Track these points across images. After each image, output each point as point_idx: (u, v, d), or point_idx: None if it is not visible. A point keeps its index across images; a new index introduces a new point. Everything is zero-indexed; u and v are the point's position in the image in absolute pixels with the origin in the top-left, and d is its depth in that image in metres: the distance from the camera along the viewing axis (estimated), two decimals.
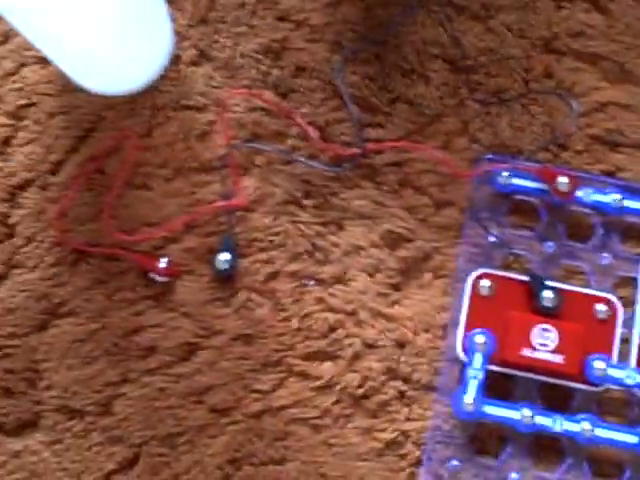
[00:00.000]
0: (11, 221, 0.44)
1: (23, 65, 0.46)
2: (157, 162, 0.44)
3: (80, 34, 0.37)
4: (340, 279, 0.43)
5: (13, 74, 0.46)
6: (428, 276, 0.43)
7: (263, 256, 0.43)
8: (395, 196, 0.43)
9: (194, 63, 0.46)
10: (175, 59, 0.46)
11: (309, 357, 0.42)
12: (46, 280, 0.43)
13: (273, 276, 0.43)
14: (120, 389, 0.42)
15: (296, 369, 0.42)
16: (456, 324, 0.41)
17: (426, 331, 0.42)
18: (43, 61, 0.46)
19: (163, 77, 0.46)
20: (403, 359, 0.42)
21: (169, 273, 0.41)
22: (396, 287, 0.43)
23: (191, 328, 0.42)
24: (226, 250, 0.42)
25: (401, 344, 0.42)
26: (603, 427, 0.38)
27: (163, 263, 0.41)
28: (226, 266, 0.41)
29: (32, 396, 0.42)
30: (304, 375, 0.42)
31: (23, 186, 0.44)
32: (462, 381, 0.40)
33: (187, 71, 0.46)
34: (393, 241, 0.43)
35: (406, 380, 0.41)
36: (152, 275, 0.42)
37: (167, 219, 0.43)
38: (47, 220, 0.44)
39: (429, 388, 0.41)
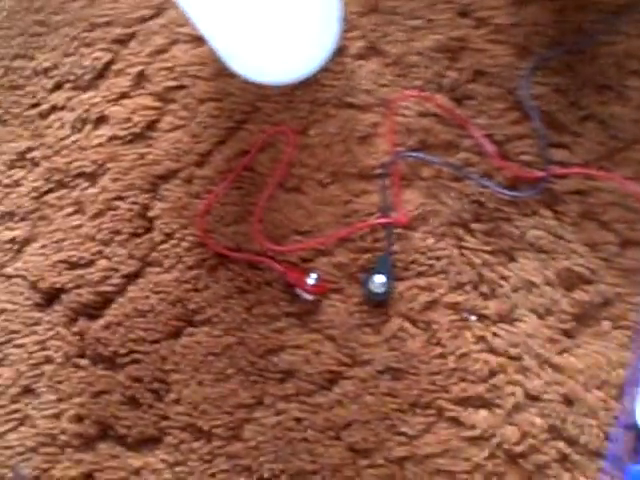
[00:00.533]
0: (151, 214, 0.42)
1: (174, 42, 0.42)
2: (312, 164, 0.41)
3: (243, 12, 0.34)
4: (506, 317, 0.39)
5: (163, 52, 0.43)
6: (606, 325, 0.38)
7: (421, 282, 0.39)
8: (576, 229, 0.38)
9: (362, 56, 0.43)
10: (341, 50, 0.42)
11: (463, 402, 0.38)
12: (183, 283, 0.41)
13: (431, 305, 0.39)
14: (253, 413, 0.39)
15: (448, 414, 0.38)
16: (635, 384, 0.36)
17: (599, 388, 0.38)
18: (197, 40, 0.43)
19: (326, 69, 0.42)
20: (570, 418, 0.37)
21: (317, 291, 0.38)
22: (568, 333, 0.39)
23: (335, 354, 0.39)
24: (382, 272, 0.37)
25: (569, 400, 0.38)
26: None
27: (312, 279, 0.38)
28: (381, 289, 0.37)
29: (158, 410, 0.40)
30: (456, 422, 0.38)
31: (166, 177, 0.42)
32: (638, 453, 0.35)
33: (353, 65, 0.42)
34: (570, 281, 0.39)
35: (571, 442, 0.37)
36: (299, 291, 0.37)
37: (319, 229, 0.40)
38: (189, 217, 0.41)
39: (597, 455, 0.37)
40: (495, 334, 0.38)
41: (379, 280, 0.38)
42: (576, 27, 0.41)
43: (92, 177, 0.42)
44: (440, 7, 0.41)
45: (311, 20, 0.38)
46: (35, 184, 0.42)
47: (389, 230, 0.39)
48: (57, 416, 0.40)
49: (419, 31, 0.41)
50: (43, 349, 0.41)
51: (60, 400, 0.40)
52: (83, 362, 0.40)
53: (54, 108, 0.43)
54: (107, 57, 0.43)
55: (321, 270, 0.39)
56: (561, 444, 0.37)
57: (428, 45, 0.41)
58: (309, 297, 0.38)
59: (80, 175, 0.42)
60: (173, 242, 0.40)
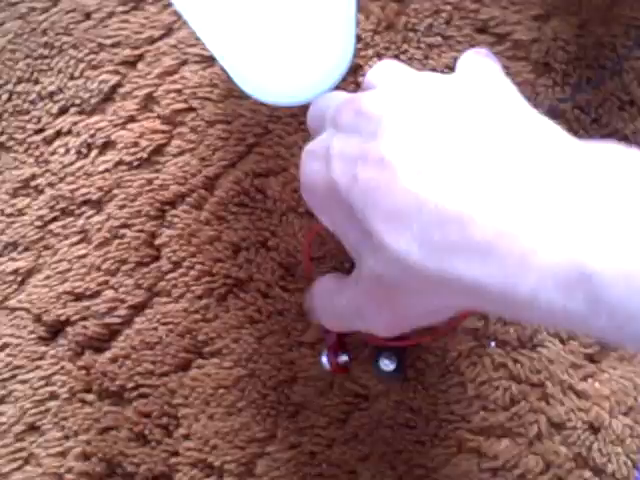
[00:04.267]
0: (158, 242, 0.51)
1: (184, 63, 0.53)
2: None
3: (254, 31, 0.40)
4: (526, 343, 0.47)
5: (172, 73, 0.53)
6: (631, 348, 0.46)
7: None
8: None
9: None
10: (355, 69, 0.52)
11: (484, 432, 0.46)
12: (192, 313, 0.50)
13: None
14: (265, 448, 0.47)
15: (468, 444, 0.46)
16: None
17: (625, 414, 0.46)
18: (207, 60, 0.52)
19: (339, 89, 0.51)
20: (596, 445, 0.46)
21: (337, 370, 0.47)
22: (592, 358, 0.47)
23: (349, 385, 0.47)
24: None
25: (594, 427, 0.46)
26: None
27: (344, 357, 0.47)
28: (390, 367, 0.46)
29: (167, 446, 0.48)
30: (477, 452, 0.46)
31: (174, 202, 0.51)
32: None
33: None
34: None
35: (597, 471, 0.45)
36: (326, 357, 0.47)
37: (332, 255, 0.49)
38: (198, 244, 0.51)
39: None
40: (516, 360, 0.48)
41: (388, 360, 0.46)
42: (598, 42, 0.51)
43: (98, 204, 0.52)
44: (458, 23, 0.52)
45: (325, 40, 0.47)
46: (39, 212, 0.53)
47: None
48: (63, 454, 0.49)
49: (436, 48, 0.52)
50: (48, 384, 0.50)
51: (66, 437, 0.49)
52: (89, 397, 0.49)
53: (59, 133, 0.52)
54: (114, 80, 0.53)
55: None
56: (587, 473, 0.45)
57: (445, 63, 0.51)
58: (325, 364, 0.46)
59: (86, 202, 0.52)
60: (181, 271, 0.50)
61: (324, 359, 0.45)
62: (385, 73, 0.37)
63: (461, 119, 0.31)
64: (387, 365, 0.45)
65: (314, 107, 0.41)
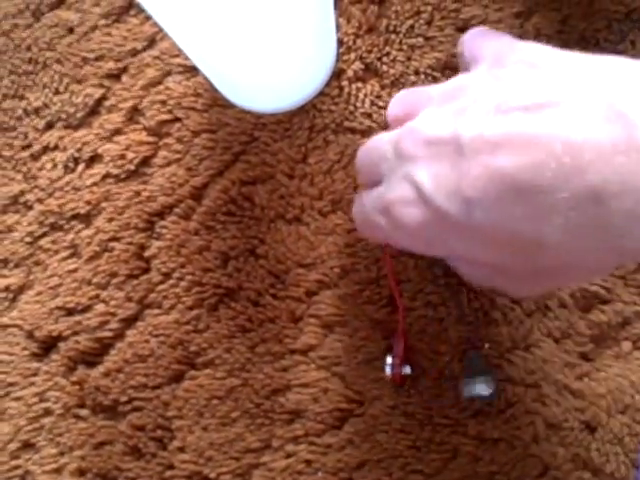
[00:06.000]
0: (147, 254, 0.50)
1: (168, 74, 0.53)
2: (312, 193, 0.50)
3: (234, 38, 0.40)
4: (520, 343, 0.46)
5: (157, 84, 0.53)
6: (626, 345, 0.46)
7: (430, 311, 0.47)
8: None
9: (359, 79, 0.51)
10: (338, 73, 0.51)
11: (480, 436, 0.45)
12: (183, 324, 0.49)
13: (441, 336, 0.47)
14: (261, 458, 0.47)
15: (464, 449, 0.45)
16: None
17: (622, 413, 0.45)
18: (190, 70, 0.52)
19: (323, 94, 0.51)
20: (594, 446, 0.45)
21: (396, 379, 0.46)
22: (587, 357, 0.46)
23: (344, 391, 0.47)
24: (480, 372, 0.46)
25: (591, 427, 0.45)
26: None
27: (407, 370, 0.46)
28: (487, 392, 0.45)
29: (162, 459, 0.47)
30: (473, 457, 0.45)
31: (162, 213, 0.51)
32: None
33: (351, 88, 0.51)
34: (585, 301, 0.47)
35: (596, 472, 0.44)
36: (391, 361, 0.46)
37: (322, 260, 0.49)
38: (187, 255, 0.50)
39: None
40: (510, 361, 0.47)
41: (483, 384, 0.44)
42: (581, 37, 0.50)
43: (87, 218, 0.51)
44: (439, 23, 0.51)
45: (306, 45, 0.47)
46: (29, 228, 0.52)
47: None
48: (58, 471, 0.48)
49: (418, 50, 0.51)
50: (42, 401, 0.49)
51: (61, 454, 0.48)
52: (83, 412, 0.48)
53: (46, 148, 0.52)
54: (99, 93, 0.53)
55: (325, 303, 0.49)
56: (587, 474, 0.44)
57: (428, 63, 0.51)
58: (388, 372, 0.45)
59: (75, 217, 0.52)
60: (171, 282, 0.49)
61: (388, 367, 0.45)
62: (417, 98, 0.36)
63: (531, 85, 0.30)
64: (484, 390, 0.44)
65: (361, 159, 0.40)
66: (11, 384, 0.50)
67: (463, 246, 0.32)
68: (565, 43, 0.48)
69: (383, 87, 0.49)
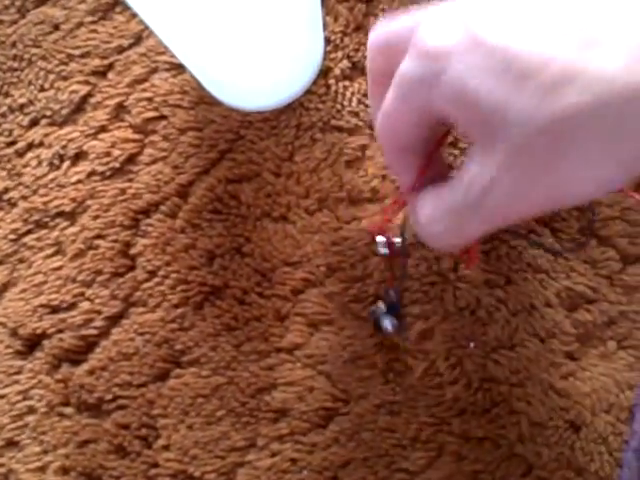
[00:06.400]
0: (133, 251, 0.50)
1: (154, 71, 0.52)
2: (299, 191, 0.50)
3: (220, 36, 0.40)
4: (505, 343, 0.46)
5: (143, 81, 0.52)
6: (612, 345, 0.46)
7: (416, 310, 0.47)
8: (575, 246, 0.47)
9: (346, 77, 0.51)
10: (325, 72, 0.51)
11: (465, 435, 0.45)
12: (168, 323, 0.49)
13: (427, 334, 0.47)
14: (246, 456, 0.47)
15: (450, 448, 0.45)
16: None
17: (607, 412, 0.45)
18: (177, 67, 0.52)
19: (310, 92, 0.50)
20: (578, 445, 0.45)
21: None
22: (572, 356, 0.46)
23: (329, 390, 0.47)
24: (391, 309, 0.46)
25: (576, 426, 0.45)
26: None
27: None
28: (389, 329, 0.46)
29: (147, 457, 0.47)
30: (458, 456, 0.45)
31: (148, 211, 0.50)
32: None
33: (338, 86, 0.51)
34: (571, 301, 0.47)
35: (580, 471, 0.44)
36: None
37: (308, 258, 0.49)
38: (173, 253, 0.50)
39: None
40: (495, 361, 0.47)
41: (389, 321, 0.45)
42: None
43: (71, 216, 0.51)
44: None
45: (293, 43, 0.48)
46: (13, 226, 0.52)
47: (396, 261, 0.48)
48: (42, 469, 0.47)
49: None
50: (26, 399, 0.49)
51: (45, 452, 0.48)
52: (67, 410, 0.48)
53: (31, 145, 0.52)
54: (85, 90, 0.52)
55: (311, 301, 0.49)
56: (571, 474, 0.44)
57: None
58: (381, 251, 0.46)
59: (59, 214, 0.51)
60: (157, 280, 0.49)
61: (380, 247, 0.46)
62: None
63: None
64: (388, 325, 0.45)
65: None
66: None
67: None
68: None
69: None
